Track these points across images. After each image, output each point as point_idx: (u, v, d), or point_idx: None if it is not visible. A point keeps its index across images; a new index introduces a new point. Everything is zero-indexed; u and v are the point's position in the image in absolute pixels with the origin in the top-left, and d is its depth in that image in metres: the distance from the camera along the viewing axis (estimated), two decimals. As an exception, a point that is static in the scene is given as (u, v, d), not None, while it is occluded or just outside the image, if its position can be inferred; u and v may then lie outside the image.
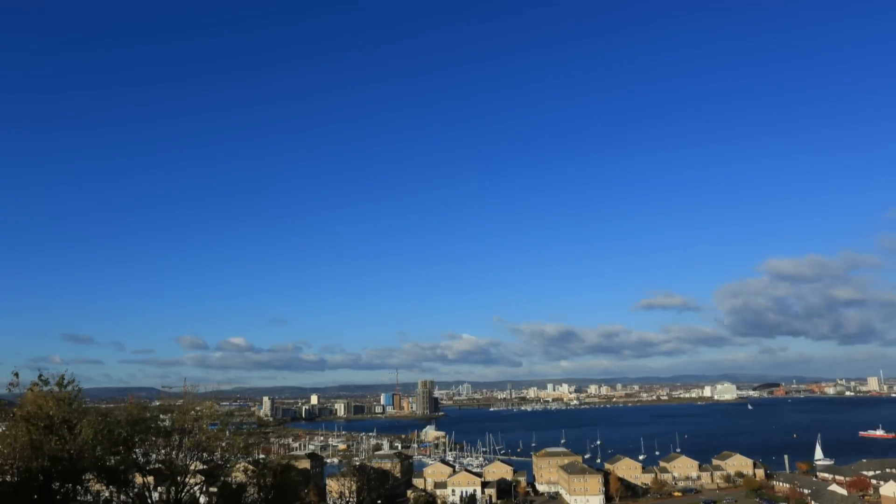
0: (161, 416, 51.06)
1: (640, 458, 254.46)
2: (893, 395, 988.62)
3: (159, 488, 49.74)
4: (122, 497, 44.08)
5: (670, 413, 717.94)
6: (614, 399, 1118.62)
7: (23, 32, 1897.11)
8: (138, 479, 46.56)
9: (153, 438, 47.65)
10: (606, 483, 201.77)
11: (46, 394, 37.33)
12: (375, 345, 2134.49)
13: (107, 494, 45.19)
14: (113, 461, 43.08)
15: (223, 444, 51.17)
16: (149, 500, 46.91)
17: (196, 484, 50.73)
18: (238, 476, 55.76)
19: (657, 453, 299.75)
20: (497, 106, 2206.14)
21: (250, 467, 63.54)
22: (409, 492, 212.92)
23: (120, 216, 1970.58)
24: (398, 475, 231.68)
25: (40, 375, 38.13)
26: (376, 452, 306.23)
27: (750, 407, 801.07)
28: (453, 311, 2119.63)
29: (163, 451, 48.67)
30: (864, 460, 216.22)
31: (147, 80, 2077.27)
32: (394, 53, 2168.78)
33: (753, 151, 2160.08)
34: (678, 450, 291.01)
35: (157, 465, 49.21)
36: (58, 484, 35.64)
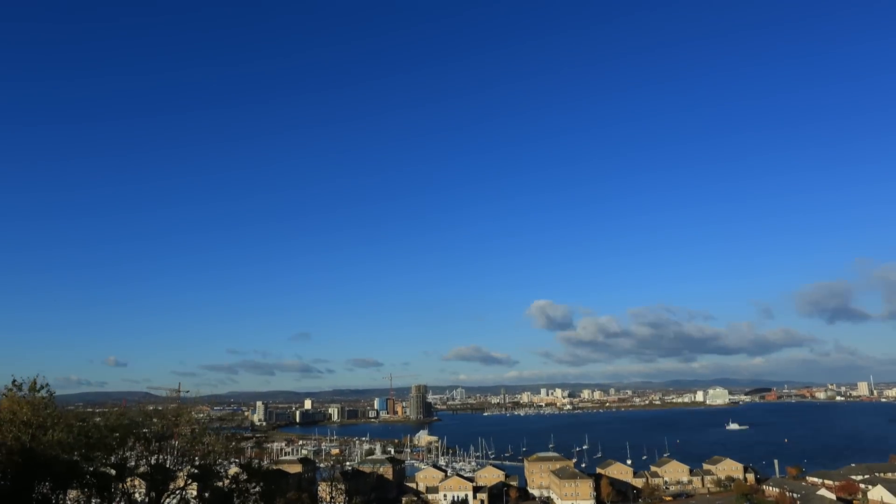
0: (144, 420, 51.14)
1: (628, 462, 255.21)
2: (883, 399, 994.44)
3: (152, 493, 49.80)
4: (97, 501, 44.10)
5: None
6: (608, 404, 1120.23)
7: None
8: (119, 485, 46.64)
9: (130, 443, 47.70)
10: (598, 487, 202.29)
11: (21, 399, 37.33)
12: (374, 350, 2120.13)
13: (90, 499, 45.26)
14: (91, 466, 43.10)
15: (204, 449, 51.28)
16: None
17: (179, 489, 50.82)
18: (225, 482, 55.76)
19: (644, 458, 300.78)
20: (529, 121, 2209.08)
21: (239, 471, 63.56)
22: (403, 498, 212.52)
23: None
24: (390, 480, 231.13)
25: (14, 380, 38.22)
26: (368, 457, 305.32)
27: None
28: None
29: (145, 456, 48.76)
30: (853, 465, 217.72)
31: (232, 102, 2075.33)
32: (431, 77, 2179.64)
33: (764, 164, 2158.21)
34: (668, 454, 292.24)
35: (142, 470, 49.28)
36: (40, 487, 35.83)
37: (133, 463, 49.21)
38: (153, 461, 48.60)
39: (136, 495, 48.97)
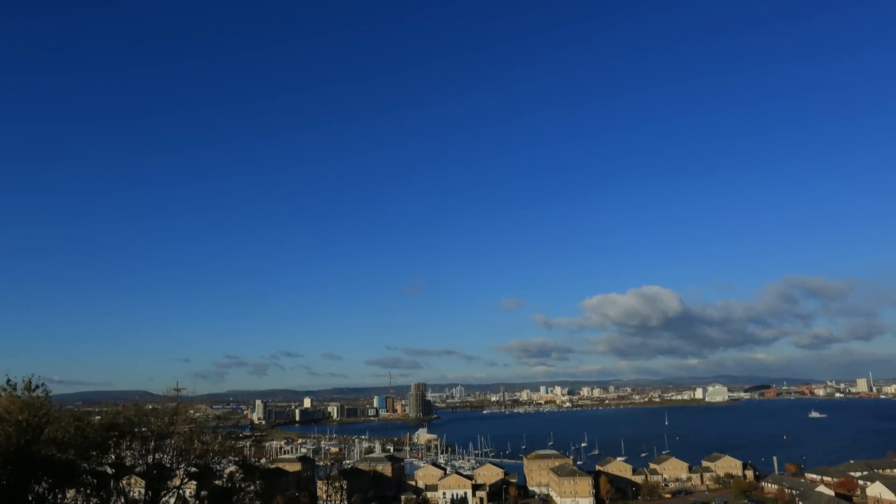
0: (141, 419, 51.03)
1: (621, 458, 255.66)
2: (882, 396, 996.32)
3: (149, 492, 49.72)
4: (96, 501, 44.02)
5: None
6: (607, 401, 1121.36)
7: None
8: (117, 484, 46.56)
9: (127, 442, 47.59)
10: (597, 485, 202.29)
11: (15, 398, 37.12)
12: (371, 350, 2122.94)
13: (89, 499, 45.17)
14: (89, 465, 42.98)
15: (201, 448, 51.24)
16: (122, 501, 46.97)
17: (176, 487, 50.78)
18: (221, 482, 55.68)
19: (643, 455, 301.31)
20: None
21: (236, 469, 63.48)
22: (402, 496, 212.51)
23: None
24: (389, 478, 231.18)
25: (8, 380, 38.01)
26: (367, 455, 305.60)
27: None
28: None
29: (142, 455, 48.68)
30: (852, 461, 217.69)
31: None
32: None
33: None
34: (667, 451, 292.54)
35: (139, 469, 49.24)
36: (37, 487, 35.73)
37: (131, 462, 49.12)
38: (150, 460, 48.56)
39: (135, 494, 48.91)
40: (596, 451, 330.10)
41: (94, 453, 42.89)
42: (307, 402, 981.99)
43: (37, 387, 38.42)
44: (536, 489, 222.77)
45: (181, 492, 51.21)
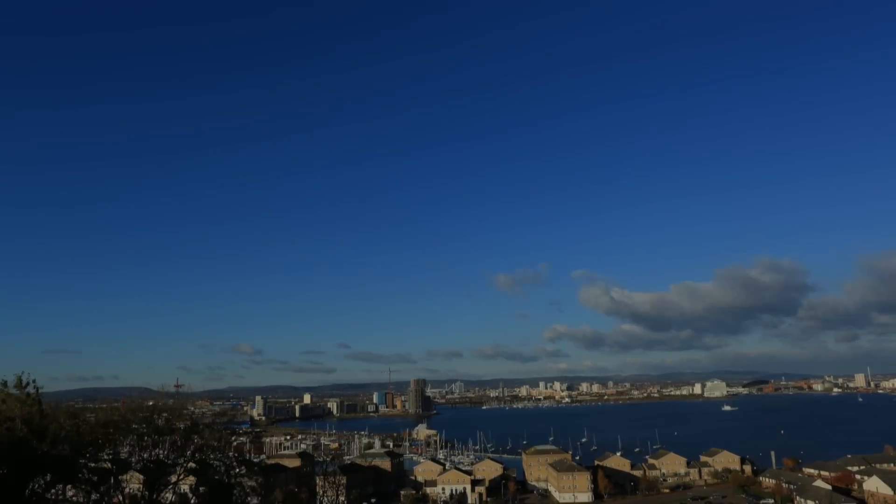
0: (138, 415, 51.23)
1: (618, 453, 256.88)
2: (880, 391, 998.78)
3: (147, 488, 49.97)
4: (96, 497, 44.22)
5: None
6: (606, 397, 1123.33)
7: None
8: (116, 481, 46.75)
9: (122, 438, 47.76)
10: (595, 480, 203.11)
11: (7, 395, 37.01)
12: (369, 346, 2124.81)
13: (89, 496, 45.43)
14: (90, 462, 43.07)
15: (199, 443, 51.47)
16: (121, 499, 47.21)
17: (172, 484, 51.02)
18: (220, 477, 55.91)
19: (637, 450, 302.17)
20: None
21: (234, 465, 63.70)
22: (401, 491, 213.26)
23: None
24: (389, 473, 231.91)
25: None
26: (367, 451, 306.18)
27: None
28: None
29: (138, 452, 48.90)
30: (849, 455, 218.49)
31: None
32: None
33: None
34: (658, 446, 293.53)
35: (137, 465, 49.50)
36: (34, 484, 35.88)
37: (128, 457, 49.32)
38: (148, 456, 48.78)
39: (131, 490, 49.12)
40: (594, 448, 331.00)
41: (90, 450, 42.89)
42: (307, 399, 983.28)
43: (27, 384, 38.12)
44: (535, 484, 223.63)
45: (179, 488, 51.45)
